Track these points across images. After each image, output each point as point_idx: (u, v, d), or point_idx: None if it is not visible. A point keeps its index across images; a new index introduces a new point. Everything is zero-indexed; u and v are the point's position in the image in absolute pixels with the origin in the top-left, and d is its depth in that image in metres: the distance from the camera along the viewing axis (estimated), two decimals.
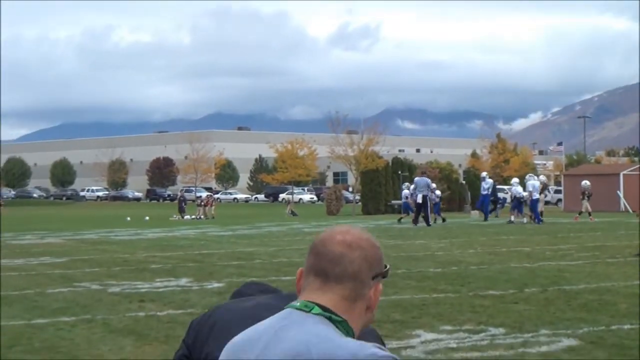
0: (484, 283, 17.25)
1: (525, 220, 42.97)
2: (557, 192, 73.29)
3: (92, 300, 15.65)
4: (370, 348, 2.38)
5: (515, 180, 47.39)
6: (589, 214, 43.91)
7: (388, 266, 2.68)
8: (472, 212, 52.43)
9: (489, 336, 11.33)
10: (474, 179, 67.05)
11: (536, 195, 42.63)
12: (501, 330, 11.74)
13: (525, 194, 44.02)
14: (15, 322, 13.24)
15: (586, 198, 45.04)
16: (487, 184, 47.64)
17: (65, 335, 11.95)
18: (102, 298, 16.02)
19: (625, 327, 11.85)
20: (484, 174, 51.99)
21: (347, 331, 2.46)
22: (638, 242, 23.62)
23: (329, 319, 2.47)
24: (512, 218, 43.41)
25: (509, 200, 47.51)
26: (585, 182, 46.23)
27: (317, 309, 2.48)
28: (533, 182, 43.90)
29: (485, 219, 45.68)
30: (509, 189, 48.21)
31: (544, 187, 47.27)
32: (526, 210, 44.10)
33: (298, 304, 2.54)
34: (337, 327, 2.45)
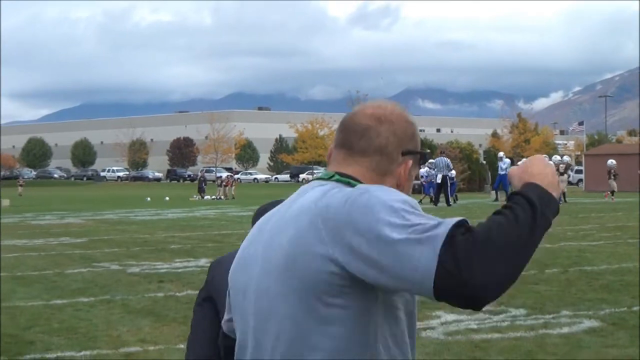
0: None
1: None
2: (578, 172, 72.88)
3: (111, 281, 15.64)
4: (364, 185, 2.35)
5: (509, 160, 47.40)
6: (612, 193, 43.72)
7: (428, 150, 2.62)
8: (492, 192, 52.17)
9: (510, 317, 11.24)
10: (494, 159, 66.77)
11: None
12: (522, 311, 11.65)
13: None
14: (34, 302, 13.25)
15: (612, 177, 44.93)
16: (504, 163, 47.41)
17: (83, 316, 11.95)
18: (121, 279, 16.01)
19: None
20: (501, 153, 51.69)
21: None
22: None
23: (348, 183, 2.41)
24: None
25: None
26: (612, 162, 46.16)
27: (337, 177, 2.44)
28: None
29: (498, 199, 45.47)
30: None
31: (567, 167, 47.17)
32: None
33: (320, 174, 2.53)
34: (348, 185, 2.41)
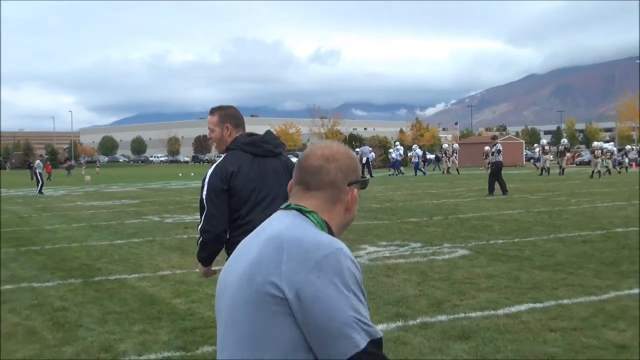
0: (407, 213, 17.05)
1: (395, 173, 44.45)
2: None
3: (154, 228, 15.33)
4: (333, 241, 1.88)
5: (397, 147, 47.40)
6: (488, 168, 43.89)
7: (367, 177, 2.26)
8: (401, 168, 52.15)
9: (410, 249, 11.11)
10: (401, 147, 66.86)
11: (418, 158, 45.63)
12: (418, 244, 11.52)
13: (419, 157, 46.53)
14: (102, 242, 12.93)
15: (486, 157, 45.46)
16: (396, 150, 47.05)
17: (134, 251, 11.65)
18: (160, 226, 15.70)
19: (499, 241, 11.67)
20: (397, 143, 51.17)
21: (317, 221, 1.97)
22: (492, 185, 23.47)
23: (300, 210, 1.99)
24: (392, 172, 44.87)
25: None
26: (487, 148, 46.33)
27: (292, 206, 2.02)
28: (417, 151, 46.18)
29: (394, 174, 45.05)
30: (390, 152, 48.32)
31: (453, 151, 47.51)
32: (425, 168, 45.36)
33: (283, 206, 2.09)
34: (308, 217, 1.96)
